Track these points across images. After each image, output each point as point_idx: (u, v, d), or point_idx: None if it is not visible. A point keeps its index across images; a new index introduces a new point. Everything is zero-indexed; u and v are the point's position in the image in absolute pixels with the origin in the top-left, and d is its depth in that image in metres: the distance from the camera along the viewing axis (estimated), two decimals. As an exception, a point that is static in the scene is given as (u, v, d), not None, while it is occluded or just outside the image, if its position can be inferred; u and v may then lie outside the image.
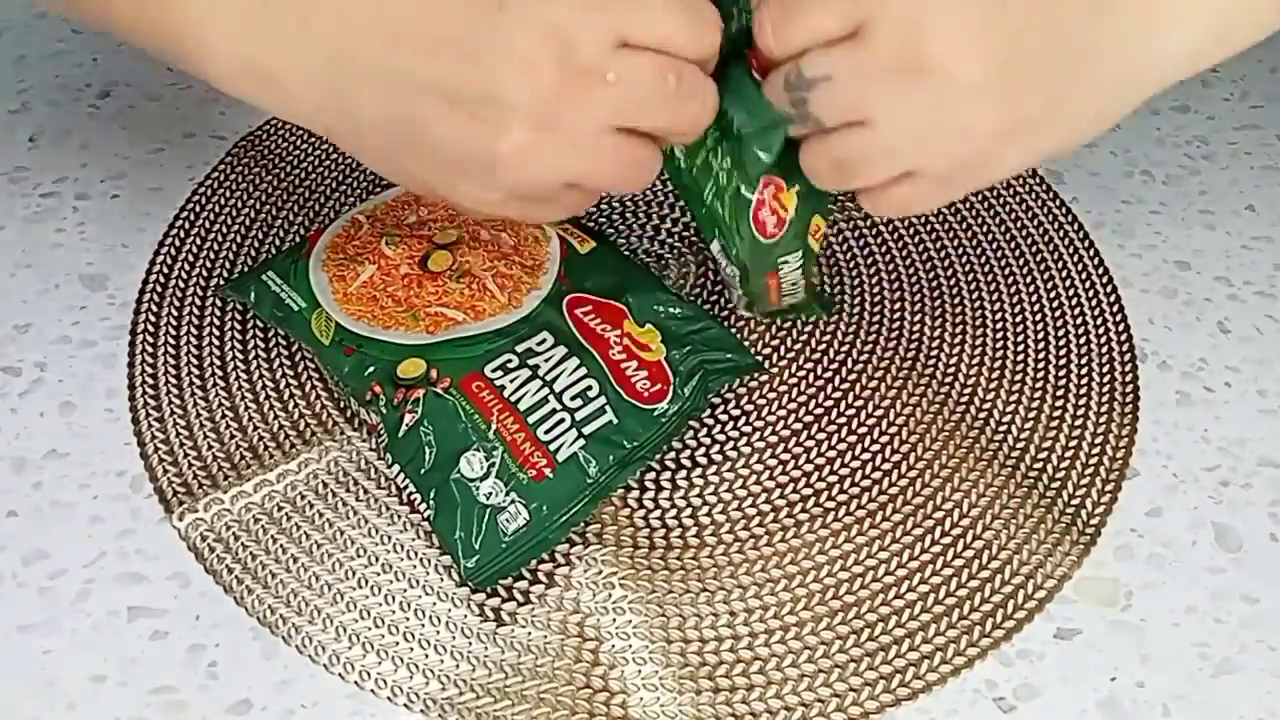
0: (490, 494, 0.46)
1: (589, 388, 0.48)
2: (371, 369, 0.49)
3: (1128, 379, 0.54)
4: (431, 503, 0.46)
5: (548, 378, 0.48)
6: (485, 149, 0.38)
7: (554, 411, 0.47)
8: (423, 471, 0.47)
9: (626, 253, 0.57)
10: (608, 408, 0.48)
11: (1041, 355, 0.55)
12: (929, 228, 0.60)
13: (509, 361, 0.49)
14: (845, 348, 0.55)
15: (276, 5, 0.38)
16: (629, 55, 0.38)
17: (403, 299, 0.51)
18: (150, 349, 0.54)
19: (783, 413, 0.52)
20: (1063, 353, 0.55)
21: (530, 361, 0.49)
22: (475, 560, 0.45)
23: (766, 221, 0.47)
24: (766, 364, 0.54)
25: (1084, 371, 0.54)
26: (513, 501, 0.46)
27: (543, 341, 0.50)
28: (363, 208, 0.56)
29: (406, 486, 0.47)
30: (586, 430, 0.47)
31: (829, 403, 0.53)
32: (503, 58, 0.37)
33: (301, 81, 0.39)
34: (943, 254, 0.59)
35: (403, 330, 0.50)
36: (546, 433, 0.47)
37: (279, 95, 0.40)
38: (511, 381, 0.48)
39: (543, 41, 0.36)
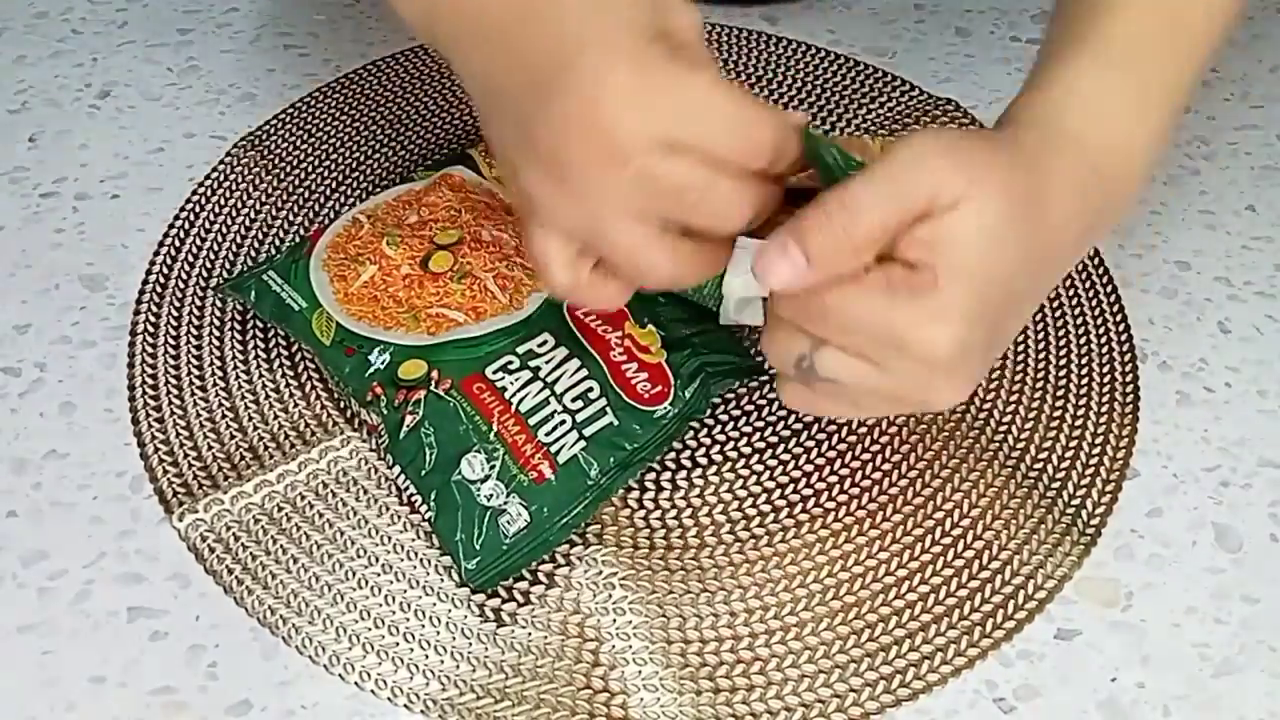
0: (491, 496, 0.46)
1: (590, 389, 0.48)
2: (372, 370, 0.49)
3: (1128, 379, 0.54)
4: (433, 504, 0.46)
5: (549, 379, 0.48)
6: (515, 171, 0.40)
7: (555, 413, 0.47)
8: (424, 473, 0.47)
9: None
10: (608, 409, 0.48)
11: (1041, 355, 0.55)
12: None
13: (510, 363, 0.49)
14: (845, 348, 0.55)
15: None
16: (659, 155, 0.37)
17: (404, 300, 0.51)
18: (150, 349, 0.54)
19: (783, 413, 0.52)
20: (1063, 353, 0.55)
21: (531, 363, 0.49)
22: (476, 562, 0.45)
23: None
24: (768, 365, 0.54)
25: (1084, 371, 0.54)
26: (514, 503, 0.46)
27: (544, 343, 0.50)
28: (364, 207, 0.56)
29: (407, 488, 0.47)
30: (588, 432, 0.47)
31: (829, 403, 0.53)
32: (558, 108, 0.38)
33: (445, 20, 0.42)
34: (943, 254, 0.59)
35: (404, 331, 0.50)
36: (548, 435, 0.47)
37: (430, 33, 0.42)
38: (513, 383, 0.48)
39: (583, 114, 0.37)
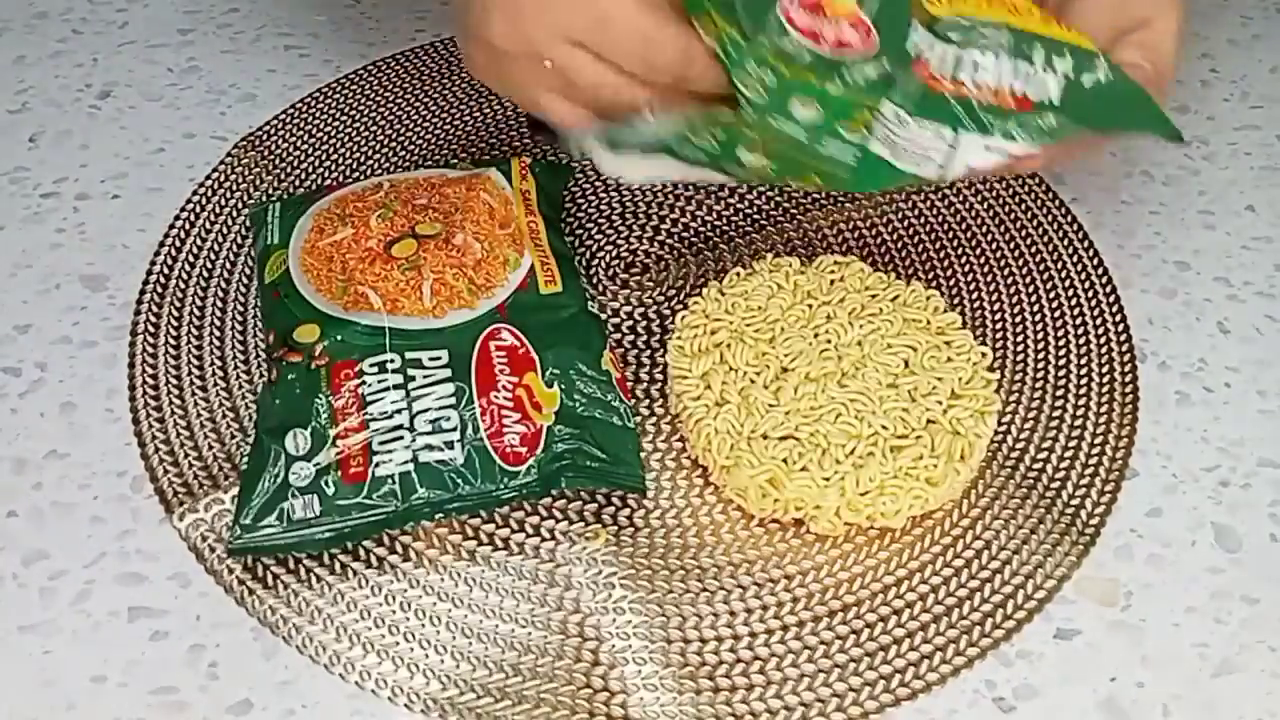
0: (297, 475, 0.46)
1: (445, 419, 0.47)
2: (274, 318, 0.51)
3: (1128, 379, 0.54)
4: (253, 457, 0.47)
5: (414, 394, 0.48)
6: (463, 41, 0.47)
7: (399, 427, 0.47)
8: (264, 426, 0.48)
9: (594, 308, 0.54)
10: (458, 444, 0.47)
11: (1041, 355, 0.55)
12: (929, 228, 0.60)
13: (390, 362, 0.48)
14: (845, 348, 0.55)
15: None
16: (574, 52, 0.43)
17: (349, 269, 0.51)
18: (150, 349, 0.54)
19: (783, 413, 0.52)
20: (1063, 353, 0.55)
21: (409, 371, 0.48)
22: (244, 530, 0.46)
23: None
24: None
25: (1084, 372, 0.54)
26: (313, 492, 0.46)
27: (436, 358, 0.49)
28: (394, 176, 0.57)
29: (253, 428, 0.49)
30: (421, 458, 0.47)
31: (829, 403, 0.53)
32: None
33: None
34: (942, 254, 0.59)
35: (326, 297, 0.51)
36: (381, 443, 0.47)
37: None
38: (380, 382, 0.48)
39: (505, 9, 0.43)
